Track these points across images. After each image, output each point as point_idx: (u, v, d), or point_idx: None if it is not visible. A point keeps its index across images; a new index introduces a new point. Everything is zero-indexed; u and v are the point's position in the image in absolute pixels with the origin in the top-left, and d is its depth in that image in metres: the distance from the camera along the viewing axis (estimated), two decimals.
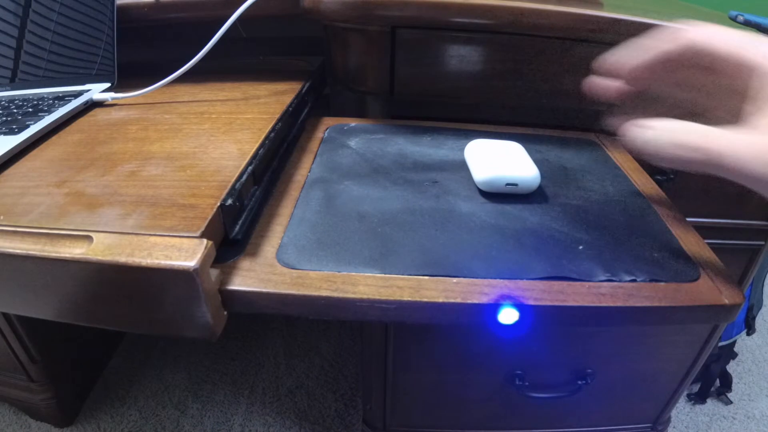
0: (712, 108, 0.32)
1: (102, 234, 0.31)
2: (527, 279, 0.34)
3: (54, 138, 0.45)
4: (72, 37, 0.57)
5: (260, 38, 0.73)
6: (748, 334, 0.95)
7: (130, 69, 0.58)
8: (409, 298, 0.32)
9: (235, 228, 0.36)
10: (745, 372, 1.05)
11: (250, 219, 0.38)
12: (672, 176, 0.63)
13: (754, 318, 0.93)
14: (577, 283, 0.34)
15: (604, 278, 0.34)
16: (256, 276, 0.33)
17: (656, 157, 0.28)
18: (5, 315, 0.73)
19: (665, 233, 0.40)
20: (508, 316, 0.32)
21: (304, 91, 0.58)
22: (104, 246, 0.30)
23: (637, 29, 0.51)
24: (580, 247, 0.37)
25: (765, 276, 0.94)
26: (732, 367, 1.02)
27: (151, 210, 0.33)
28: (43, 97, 0.52)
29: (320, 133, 0.54)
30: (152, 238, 0.30)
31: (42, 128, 0.45)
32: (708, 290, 0.34)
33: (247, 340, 1.10)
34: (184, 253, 0.29)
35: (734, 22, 0.62)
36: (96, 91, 0.53)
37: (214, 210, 0.33)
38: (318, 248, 0.35)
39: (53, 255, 0.30)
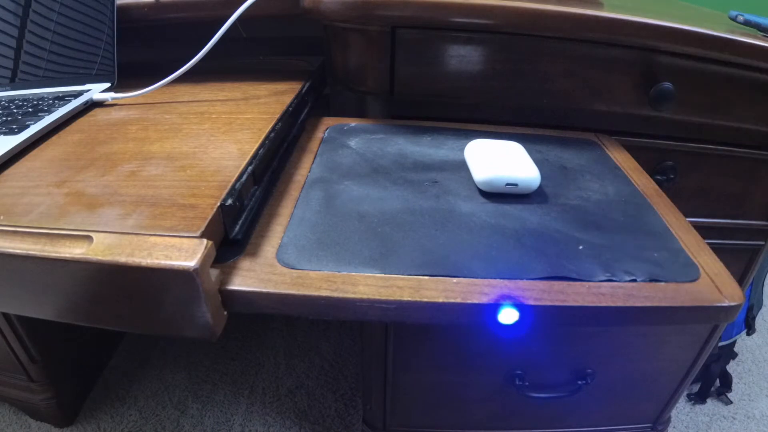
0: None
1: (102, 234, 0.31)
2: (527, 279, 0.34)
3: (54, 138, 0.45)
4: (72, 37, 0.57)
5: (260, 38, 0.73)
6: (748, 334, 0.95)
7: (130, 69, 0.58)
8: (409, 298, 0.32)
9: (235, 228, 0.36)
10: (745, 372, 1.05)
11: (250, 219, 0.38)
12: (672, 176, 0.63)
13: (754, 318, 0.93)
14: (577, 283, 0.34)
15: (604, 278, 0.34)
16: (256, 276, 0.33)
17: None
18: (5, 315, 0.73)
19: (665, 233, 0.40)
20: (508, 316, 0.32)
21: (304, 91, 0.58)
22: (104, 246, 0.30)
23: (637, 29, 0.51)
24: (580, 247, 0.37)
25: (765, 276, 0.94)
26: (732, 367, 1.02)
27: (151, 210, 0.33)
28: (43, 97, 0.52)
29: (320, 133, 0.54)
30: (152, 238, 0.30)
31: (42, 128, 0.45)
32: (708, 290, 0.34)
33: (247, 340, 1.10)
34: (184, 253, 0.29)
35: (734, 22, 0.62)
36: (96, 91, 0.53)
37: (214, 210, 0.33)
38: (318, 248, 0.35)
39: (53, 255, 0.30)
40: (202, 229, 0.31)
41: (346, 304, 0.32)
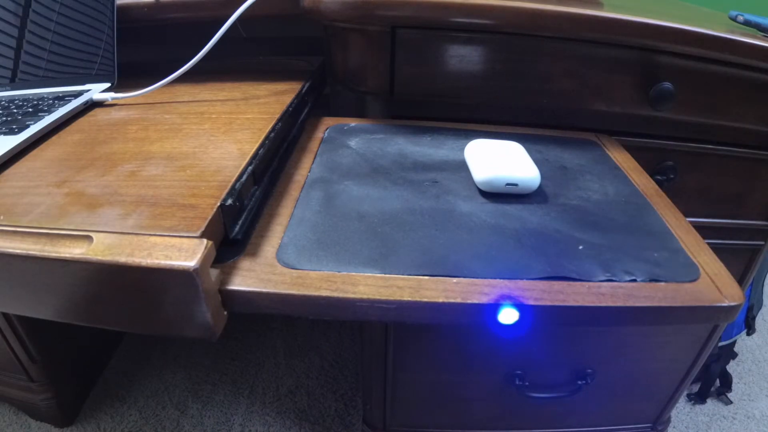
0: None
1: (102, 234, 0.31)
2: (527, 279, 0.34)
3: (54, 138, 0.45)
4: (72, 37, 0.57)
5: (260, 38, 0.73)
6: (748, 334, 0.95)
7: (130, 69, 0.58)
8: (409, 298, 0.32)
9: (235, 228, 0.36)
10: (745, 372, 1.05)
11: (250, 219, 0.38)
12: (672, 176, 0.63)
13: (754, 318, 0.93)
14: (577, 283, 0.34)
15: (603, 278, 0.34)
16: (256, 276, 0.33)
17: None
18: (5, 315, 0.73)
19: (665, 233, 0.40)
20: (508, 316, 0.32)
21: (304, 91, 0.58)
22: (104, 246, 0.30)
23: (637, 29, 0.51)
24: (580, 247, 0.37)
25: (765, 276, 0.94)
26: (732, 367, 1.02)
27: (151, 210, 0.33)
28: (43, 97, 0.52)
29: (320, 133, 0.54)
30: (152, 238, 0.30)
31: (42, 128, 0.45)
32: (708, 290, 0.34)
33: (247, 340, 1.10)
34: (184, 253, 0.29)
35: (734, 22, 0.62)
36: (96, 91, 0.53)
37: (214, 210, 0.33)
38: (318, 248, 0.35)
39: (53, 255, 0.30)
40: (202, 229, 0.31)
41: (346, 304, 0.32)
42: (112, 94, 0.53)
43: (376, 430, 0.75)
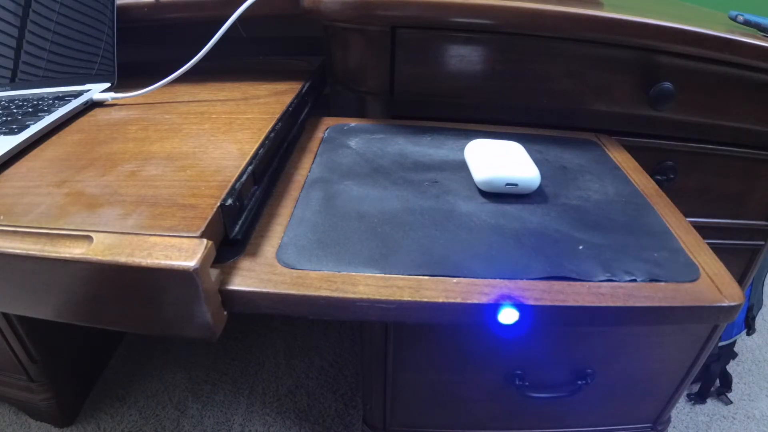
0: None
1: (102, 234, 0.31)
2: (527, 279, 0.34)
3: (54, 138, 0.45)
4: (72, 37, 0.57)
5: (260, 38, 0.73)
6: (748, 334, 0.95)
7: (130, 69, 0.58)
8: (409, 298, 0.32)
9: (235, 228, 0.36)
10: (745, 372, 1.05)
11: (250, 219, 0.38)
12: (672, 176, 0.63)
13: (754, 318, 0.93)
14: (577, 283, 0.34)
15: (603, 278, 0.34)
16: (256, 276, 0.33)
17: None
18: (5, 315, 0.73)
19: (665, 233, 0.40)
20: (508, 316, 0.32)
21: (304, 91, 0.58)
22: (104, 246, 0.30)
23: (637, 29, 0.51)
24: (580, 247, 0.37)
25: (765, 276, 0.94)
26: (732, 367, 1.02)
27: (151, 210, 0.33)
28: (43, 97, 0.52)
29: (320, 133, 0.54)
30: (152, 238, 0.30)
31: (42, 128, 0.45)
32: (708, 290, 0.34)
33: (247, 340, 1.10)
34: (184, 253, 0.29)
35: (734, 22, 0.62)
36: (96, 91, 0.53)
37: (214, 210, 0.33)
38: (318, 248, 0.35)
39: (53, 255, 0.30)
40: (202, 229, 0.31)
41: (346, 304, 0.32)
42: (112, 94, 0.53)
43: (376, 430, 0.75)
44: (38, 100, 0.51)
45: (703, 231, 0.41)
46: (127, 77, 0.57)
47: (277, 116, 0.49)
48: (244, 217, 0.37)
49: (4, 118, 0.47)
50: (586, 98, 0.57)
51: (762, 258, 0.72)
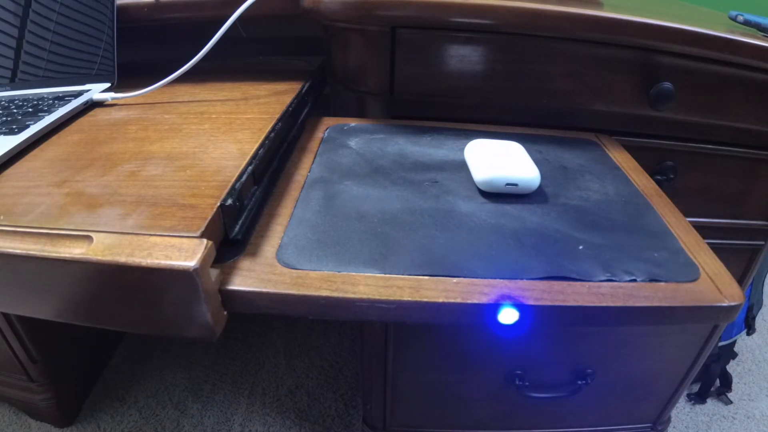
0: None
1: (102, 234, 0.31)
2: (527, 279, 0.34)
3: (54, 138, 0.45)
4: (72, 37, 0.57)
5: (260, 38, 0.73)
6: (748, 334, 0.95)
7: (130, 69, 0.58)
8: (409, 298, 0.32)
9: (235, 228, 0.36)
10: (745, 372, 1.05)
11: (250, 219, 0.38)
12: (672, 176, 0.63)
13: (754, 318, 0.93)
14: (577, 283, 0.34)
15: (603, 278, 0.34)
16: (256, 276, 0.33)
17: None
18: (5, 315, 0.73)
19: (665, 233, 0.40)
20: (508, 316, 0.32)
21: (304, 91, 0.58)
22: (104, 246, 0.30)
23: (637, 29, 0.51)
24: (580, 247, 0.37)
25: (765, 276, 0.94)
26: (732, 367, 1.02)
27: (151, 210, 0.33)
28: (43, 97, 0.52)
29: (320, 133, 0.54)
30: (152, 238, 0.30)
31: (42, 128, 0.45)
32: (708, 290, 0.34)
33: (247, 340, 1.10)
34: (184, 253, 0.29)
35: (734, 22, 0.62)
36: (96, 91, 0.53)
37: (214, 210, 0.33)
38: (318, 248, 0.35)
39: (53, 255, 0.30)
40: (202, 229, 0.31)
41: (346, 304, 0.32)
42: (112, 94, 0.53)
43: (376, 430, 0.74)
44: (38, 100, 0.51)
45: (703, 231, 0.41)
46: (127, 77, 0.57)
47: (277, 116, 0.49)
48: (244, 217, 0.37)
49: (4, 118, 0.47)
50: (586, 98, 0.57)
51: (762, 258, 0.72)
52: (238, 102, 0.53)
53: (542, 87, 0.56)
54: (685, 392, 0.94)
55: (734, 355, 0.97)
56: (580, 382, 0.64)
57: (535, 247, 0.37)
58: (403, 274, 0.33)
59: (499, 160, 0.44)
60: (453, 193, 0.43)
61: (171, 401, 0.95)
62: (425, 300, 0.32)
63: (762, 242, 0.70)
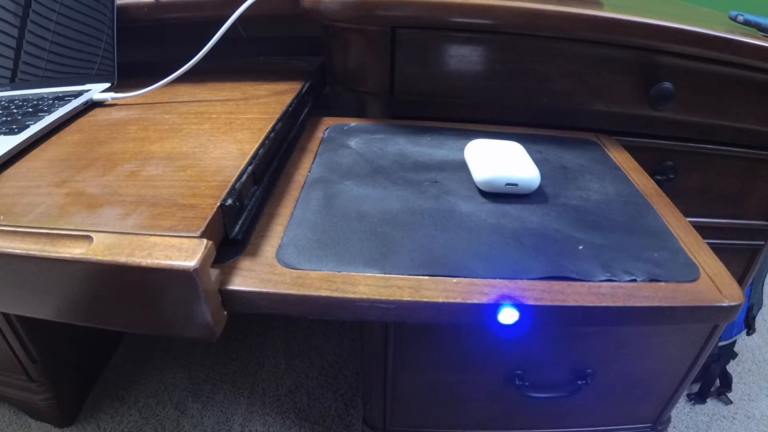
0: None
1: (102, 234, 0.31)
2: (527, 279, 0.34)
3: (54, 138, 0.45)
4: (72, 37, 0.57)
5: (260, 38, 0.73)
6: (748, 334, 0.95)
7: (130, 69, 0.58)
8: (409, 298, 0.32)
9: (235, 228, 0.36)
10: (745, 372, 1.05)
11: (250, 219, 0.38)
12: (672, 176, 0.63)
13: (754, 318, 0.93)
14: (577, 283, 0.34)
15: (603, 278, 0.34)
16: (256, 276, 0.33)
17: None
18: (5, 315, 0.73)
19: (665, 233, 0.40)
20: (508, 316, 0.32)
21: (304, 91, 0.58)
22: (104, 246, 0.30)
23: (637, 29, 0.51)
24: (580, 247, 0.37)
25: (765, 276, 0.94)
26: (732, 367, 1.02)
27: (151, 210, 0.33)
28: (43, 97, 0.52)
29: (320, 133, 0.54)
30: (152, 238, 0.30)
31: (42, 128, 0.45)
32: (708, 290, 0.34)
33: (247, 340, 1.10)
34: (184, 253, 0.29)
35: (734, 22, 0.62)
36: (96, 91, 0.53)
37: (214, 210, 0.33)
38: (318, 248, 0.35)
39: (53, 255, 0.30)
40: (202, 229, 0.31)
41: (346, 304, 0.32)
42: (112, 94, 0.53)
43: (376, 430, 0.74)
44: (38, 100, 0.51)
45: (703, 231, 0.41)
46: (127, 77, 0.57)
47: (277, 116, 0.49)
48: (244, 217, 0.37)
49: (4, 118, 0.47)
50: (586, 98, 0.57)
51: (762, 258, 0.72)
52: (238, 102, 0.53)
53: (542, 87, 0.56)
54: (685, 392, 0.94)
55: (734, 355, 0.97)
56: (580, 382, 0.64)
57: (535, 247, 0.37)
58: (403, 274, 0.33)
59: (499, 160, 0.44)
60: (453, 193, 0.43)
61: (171, 401, 0.95)
62: (425, 300, 0.32)
63: (762, 242, 0.70)
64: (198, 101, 0.53)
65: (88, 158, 0.41)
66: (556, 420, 0.72)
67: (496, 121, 0.58)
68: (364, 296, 0.32)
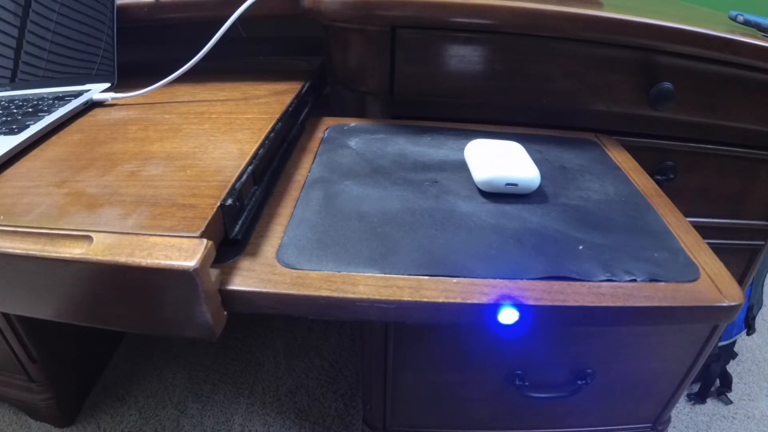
0: None
1: (102, 234, 0.31)
2: (527, 279, 0.34)
3: (54, 138, 0.45)
4: (72, 37, 0.57)
5: (260, 38, 0.73)
6: (748, 334, 0.95)
7: (130, 69, 0.58)
8: (409, 298, 0.32)
9: (235, 228, 0.36)
10: (745, 372, 1.05)
11: (250, 219, 0.38)
12: (672, 176, 0.63)
13: (754, 318, 0.93)
14: (577, 283, 0.34)
15: (603, 278, 0.34)
16: (256, 276, 0.33)
17: None
18: (5, 315, 0.73)
19: (665, 233, 0.40)
20: (508, 316, 0.32)
21: (304, 91, 0.58)
22: (104, 246, 0.30)
23: (637, 29, 0.51)
24: (580, 247, 0.37)
25: (765, 276, 0.94)
26: (732, 367, 1.02)
27: (151, 210, 0.33)
28: (43, 97, 0.52)
29: (320, 133, 0.54)
30: (152, 238, 0.30)
31: (42, 128, 0.45)
32: (708, 290, 0.34)
33: (247, 340, 1.10)
34: (184, 253, 0.29)
35: (734, 22, 0.62)
36: (96, 91, 0.53)
37: (214, 210, 0.33)
38: (318, 248, 0.35)
39: (53, 255, 0.30)
40: (202, 229, 0.31)
41: (346, 304, 0.32)
42: (112, 94, 0.53)
43: (376, 430, 0.74)
44: (38, 100, 0.51)
45: (703, 231, 0.41)
46: (127, 77, 0.57)
47: (277, 116, 0.49)
48: (244, 217, 0.37)
49: (4, 118, 0.47)
50: (586, 98, 0.57)
51: (762, 258, 0.72)
52: (238, 102, 0.53)
53: (542, 87, 0.56)
54: (685, 392, 0.94)
55: (734, 355, 0.97)
56: (580, 382, 0.64)
57: (535, 247, 0.37)
58: (403, 274, 0.33)
59: (499, 160, 0.44)
60: (453, 193, 0.43)
61: (171, 401, 0.95)
62: (425, 300, 0.32)
63: (762, 242, 0.70)
64: (198, 101, 0.53)
65: (88, 158, 0.41)
66: (556, 420, 0.72)
67: (496, 121, 0.58)
68: (364, 296, 0.32)
